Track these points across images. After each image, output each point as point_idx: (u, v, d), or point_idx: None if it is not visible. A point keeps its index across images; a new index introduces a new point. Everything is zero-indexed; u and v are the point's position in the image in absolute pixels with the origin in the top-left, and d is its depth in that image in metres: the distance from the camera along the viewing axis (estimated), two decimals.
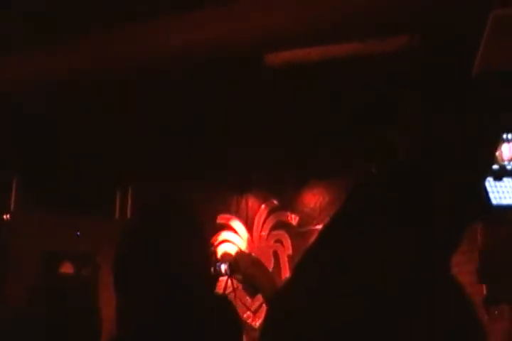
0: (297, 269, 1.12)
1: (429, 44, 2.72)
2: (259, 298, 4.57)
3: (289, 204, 4.62)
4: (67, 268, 4.50)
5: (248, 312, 4.52)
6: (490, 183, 2.26)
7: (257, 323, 4.48)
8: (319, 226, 4.34)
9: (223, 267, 1.98)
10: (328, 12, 2.41)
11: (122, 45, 3.11)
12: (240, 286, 4.63)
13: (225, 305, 1.45)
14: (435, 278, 1.01)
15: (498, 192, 2.25)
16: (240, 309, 4.26)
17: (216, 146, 4.21)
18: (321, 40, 2.66)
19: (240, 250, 2.00)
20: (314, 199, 4.49)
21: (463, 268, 2.76)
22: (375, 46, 2.66)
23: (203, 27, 2.83)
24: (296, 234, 4.54)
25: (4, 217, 4.90)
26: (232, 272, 1.99)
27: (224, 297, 1.62)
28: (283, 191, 4.65)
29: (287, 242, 4.60)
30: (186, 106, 3.84)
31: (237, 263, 1.97)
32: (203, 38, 2.84)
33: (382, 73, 2.97)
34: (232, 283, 2.05)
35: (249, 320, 4.52)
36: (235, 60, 3.00)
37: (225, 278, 2.01)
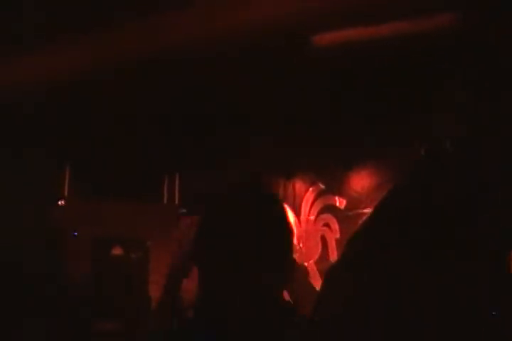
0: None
1: (478, 22, 2.65)
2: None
3: (336, 187, 4.59)
4: (117, 252, 4.59)
5: None
6: None
7: None
8: (367, 210, 4.31)
9: None
10: None
11: (162, 30, 3.13)
12: None
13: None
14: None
15: None
16: None
17: (259, 131, 4.21)
18: (367, 19, 2.62)
19: None
20: (361, 182, 4.45)
21: None
22: (421, 24, 2.61)
23: (247, 9, 2.83)
24: (343, 217, 4.52)
25: (59, 202, 5.03)
26: None
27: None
28: (330, 174, 4.62)
29: (335, 226, 4.58)
30: (232, 93, 3.84)
31: None
32: (248, 20, 2.83)
33: (428, 52, 2.92)
34: None
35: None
36: (280, 42, 2.99)
37: None
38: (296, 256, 4.71)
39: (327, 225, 4.62)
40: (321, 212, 4.68)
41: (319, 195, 4.69)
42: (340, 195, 4.57)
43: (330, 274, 1.25)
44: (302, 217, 4.77)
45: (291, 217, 4.79)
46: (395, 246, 1.07)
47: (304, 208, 4.76)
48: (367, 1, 2.59)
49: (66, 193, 5.09)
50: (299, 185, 4.80)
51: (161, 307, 1.93)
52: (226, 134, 4.28)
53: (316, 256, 4.61)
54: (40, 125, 4.12)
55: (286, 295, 1.50)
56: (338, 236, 4.54)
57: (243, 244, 1.36)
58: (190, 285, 2.23)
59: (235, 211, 1.42)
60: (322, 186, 4.68)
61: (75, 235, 4.77)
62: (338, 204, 4.58)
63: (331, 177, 4.62)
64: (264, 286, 1.35)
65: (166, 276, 1.95)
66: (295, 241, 4.73)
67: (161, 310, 1.93)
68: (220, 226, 1.40)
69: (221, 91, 3.75)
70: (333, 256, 4.50)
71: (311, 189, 4.74)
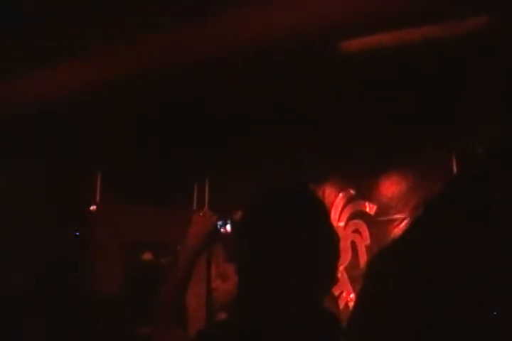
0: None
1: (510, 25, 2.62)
2: (338, 287, 4.55)
3: (366, 193, 4.56)
4: (148, 257, 4.62)
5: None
6: None
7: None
8: (397, 216, 4.27)
9: (226, 225, 2.03)
10: None
11: (199, 37, 3.16)
12: None
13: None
14: None
15: None
16: None
17: (290, 136, 4.20)
18: (395, 24, 2.61)
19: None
20: (392, 188, 4.42)
21: None
22: (451, 28, 2.58)
23: (275, 15, 2.83)
24: (373, 223, 4.48)
25: (91, 208, 5.09)
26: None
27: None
28: (360, 180, 4.60)
29: (365, 232, 4.55)
30: (260, 98, 3.85)
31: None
32: (275, 26, 2.84)
33: (458, 57, 2.89)
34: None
35: None
36: (309, 47, 2.99)
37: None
38: None
39: (357, 231, 4.59)
40: (350, 218, 4.65)
41: (349, 200, 4.67)
42: (371, 200, 4.54)
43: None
44: (333, 223, 4.74)
45: None
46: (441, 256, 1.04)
47: (334, 214, 4.74)
48: (395, 6, 2.58)
49: (98, 199, 5.15)
50: (328, 191, 4.78)
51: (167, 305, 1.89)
52: (256, 139, 4.28)
53: (346, 263, 4.58)
54: (72, 133, 4.18)
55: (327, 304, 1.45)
56: (368, 242, 4.50)
57: (291, 249, 1.32)
58: (225, 286, 2.22)
59: (282, 213, 1.37)
60: (352, 192, 4.66)
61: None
62: (368, 210, 4.55)
63: (361, 183, 4.60)
64: (308, 294, 1.31)
65: (176, 275, 1.90)
66: None
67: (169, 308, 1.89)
68: (266, 227, 1.36)
69: (249, 96, 3.76)
70: (363, 262, 4.47)
71: (341, 195, 4.72)
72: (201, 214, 2.03)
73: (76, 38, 3.15)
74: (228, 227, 2.03)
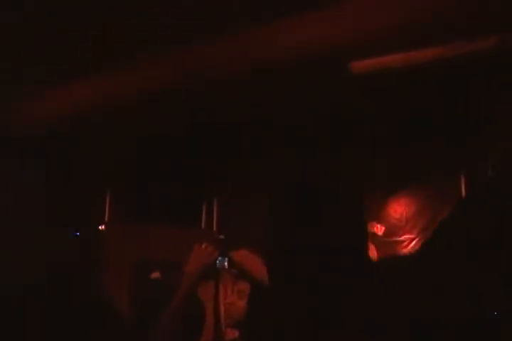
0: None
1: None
2: None
3: (375, 214, 4.56)
4: (157, 276, 4.61)
5: None
6: None
7: None
8: (405, 237, 4.26)
9: (224, 262, 2.07)
10: (415, 14, 2.38)
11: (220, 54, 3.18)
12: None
13: None
14: None
15: None
16: None
17: (298, 156, 4.22)
18: (408, 45, 2.63)
19: (241, 249, 2.06)
20: (401, 209, 4.41)
21: None
22: (463, 48, 2.60)
23: (288, 35, 2.86)
24: (381, 244, 4.47)
25: (100, 227, 5.09)
26: (230, 266, 2.09)
27: None
28: (369, 201, 4.59)
29: (373, 253, 4.52)
30: (271, 114, 3.87)
31: (233, 259, 2.08)
32: (287, 46, 2.86)
33: (470, 76, 2.90)
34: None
35: None
36: (321, 67, 3.01)
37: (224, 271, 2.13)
38: None
39: None
40: None
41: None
42: (380, 221, 4.53)
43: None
44: None
45: None
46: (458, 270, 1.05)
47: None
48: (405, 28, 2.61)
49: (107, 218, 5.15)
50: None
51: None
52: (267, 160, 4.30)
53: None
54: (83, 150, 4.21)
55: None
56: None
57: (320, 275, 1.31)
58: (240, 303, 2.23)
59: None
60: None
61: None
62: (376, 230, 4.54)
63: (370, 204, 4.59)
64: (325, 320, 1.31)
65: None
66: None
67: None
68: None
69: (259, 118, 3.79)
70: None
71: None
72: (203, 246, 2.07)
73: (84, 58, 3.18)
74: (226, 264, 2.08)
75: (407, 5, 2.41)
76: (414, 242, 4.28)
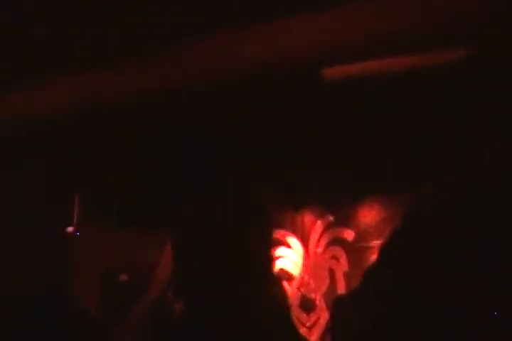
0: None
1: (488, 56, 2.69)
2: (315, 313, 4.55)
3: (345, 220, 4.60)
4: (126, 279, 4.57)
5: (304, 328, 4.50)
6: None
7: (313, 339, 4.45)
8: (375, 242, 4.30)
9: None
10: (386, 24, 2.42)
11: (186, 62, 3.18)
12: (296, 303, 4.62)
13: None
14: None
15: None
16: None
17: (270, 161, 4.23)
18: (378, 53, 2.66)
19: None
20: (371, 215, 4.45)
21: None
22: (432, 58, 2.64)
23: (257, 42, 2.87)
24: (352, 250, 4.51)
25: (67, 230, 5.02)
26: None
27: None
28: (339, 207, 4.63)
29: (343, 259, 4.56)
30: (240, 122, 3.87)
31: None
32: (253, 54, 2.87)
33: (439, 86, 2.95)
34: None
35: (306, 336, 4.50)
36: (291, 75, 3.03)
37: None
38: (302, 289, 4.68)
39: (335, 258, 4.61)
40: (329, 244, 4.67)
41: (328, 227, 4.69)
42: (350, 227, 4.57)
43: (337, 306, 1.25)
44: (310, 250, 4.76)
45: (299, 249, 4.78)
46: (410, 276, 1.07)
47: (312, 240, 4.75)
48: (376, 36, 2.64)
49: (75, 221, 5.09)
50: (307, 217, 4.80)
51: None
52: (235, 165, 4.30)
53: (324, 289, 4.59)
54: (50, 153, 4.16)
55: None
56: (346, 268, 4.52)
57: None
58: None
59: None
60: (331, 218, 4.68)
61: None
62: (346, 236, 4.57)
63: (340, 210, 4.63)
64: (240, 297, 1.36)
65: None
66: (302, 273, 4.71)
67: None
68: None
69: (225, 125, 3.79)
70: (341, 288, 4.48)
71: (319, 221, 4.74)
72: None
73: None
74: None
75: (383, 13, 2.44)
76: None
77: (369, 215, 4.47)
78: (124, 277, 4.78)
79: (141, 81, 3.12)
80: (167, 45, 2.98)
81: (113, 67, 3.20)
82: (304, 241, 4.77)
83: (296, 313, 4.49)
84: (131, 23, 2.90)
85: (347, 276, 4.46)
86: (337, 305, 1.26)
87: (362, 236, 4.47)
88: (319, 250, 4.71)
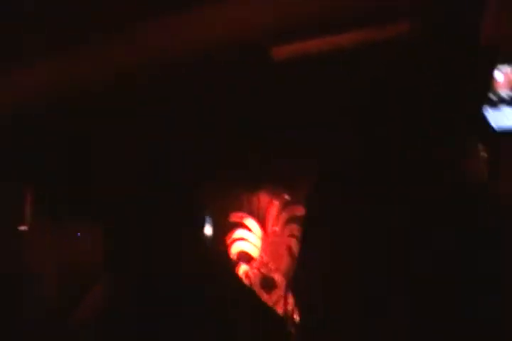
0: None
1: (430, 29, 2.74)
2: (275, 292, 4.60)
3: (301, 198, 4.63)
4: (82, 276, 4.53)
5: None
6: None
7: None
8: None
9: None
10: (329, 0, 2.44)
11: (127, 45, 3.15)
12: (257, 283, 4.67)
13: None
14: None
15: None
16: None
17: (226, 144, 4.24)
18: (323, 30, 2.69)
19: None
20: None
21: None
22: (375, 33, 2.68)
23: (203, 23, 2.86)
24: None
25: (20, 228, 4.93)
26: None
27: None
28: (295, 186, 4.67)
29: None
30: (195, 106, 3.87)
31: None
32: (204, 34, 2.87)
33: (385, 62, 2.99)
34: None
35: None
36: (240, 54, 3.03)
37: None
38: (262, 269, 4.73)
39: (293, 235, 4.66)
40: (286, 222, 4.72)
41: (285, 206, 4.74)
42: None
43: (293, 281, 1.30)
44: (268, 229, 4.80)
45: (257, 230, 4.82)
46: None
47: (270, 220, 4.79)
48: (324, 12, 2.66)
49: (28, 218, 4.99)
50: (263, 198, 4.83)
51: None
52: (193, 147, 4.29)
53: (284, 267, 4.64)
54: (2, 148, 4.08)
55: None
56: None
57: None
58: None
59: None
60: (287, 197, 4.73)
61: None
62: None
63: (296, 188, 4.67)
64: None
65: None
66: (261, 254, 4.75)
67: None
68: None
69: (181, 104, 3.78)
70: None
71: (276, 201, 4.78)
72: None
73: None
74: None
75: None
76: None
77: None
78: (78, 269, 4.72)
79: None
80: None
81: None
82: (262, 222, 4.81)
83: (258, 293, 4.53)
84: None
85: None
86: (293, 280, 1.31)
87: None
88: (276, 229, 4.75)
